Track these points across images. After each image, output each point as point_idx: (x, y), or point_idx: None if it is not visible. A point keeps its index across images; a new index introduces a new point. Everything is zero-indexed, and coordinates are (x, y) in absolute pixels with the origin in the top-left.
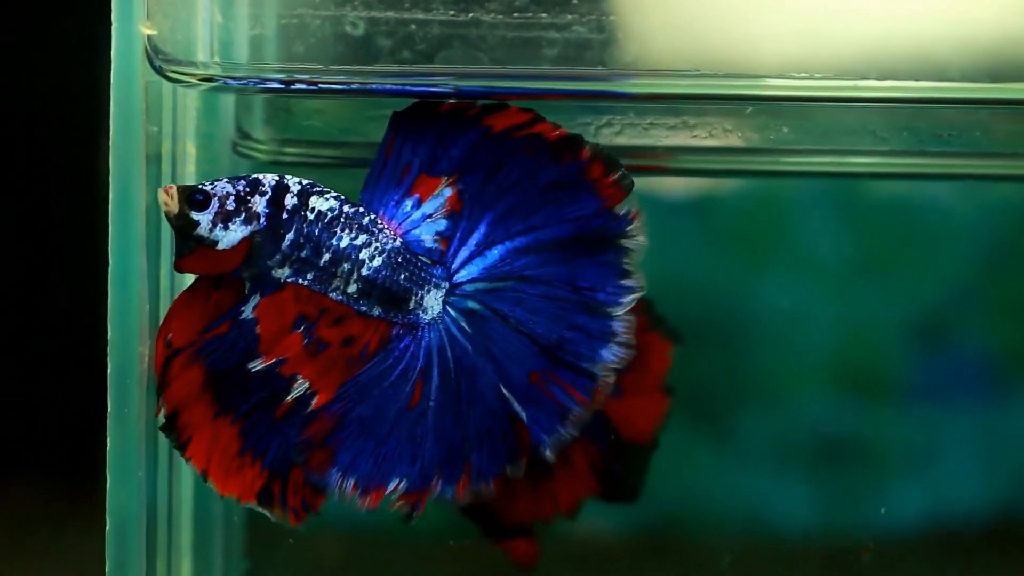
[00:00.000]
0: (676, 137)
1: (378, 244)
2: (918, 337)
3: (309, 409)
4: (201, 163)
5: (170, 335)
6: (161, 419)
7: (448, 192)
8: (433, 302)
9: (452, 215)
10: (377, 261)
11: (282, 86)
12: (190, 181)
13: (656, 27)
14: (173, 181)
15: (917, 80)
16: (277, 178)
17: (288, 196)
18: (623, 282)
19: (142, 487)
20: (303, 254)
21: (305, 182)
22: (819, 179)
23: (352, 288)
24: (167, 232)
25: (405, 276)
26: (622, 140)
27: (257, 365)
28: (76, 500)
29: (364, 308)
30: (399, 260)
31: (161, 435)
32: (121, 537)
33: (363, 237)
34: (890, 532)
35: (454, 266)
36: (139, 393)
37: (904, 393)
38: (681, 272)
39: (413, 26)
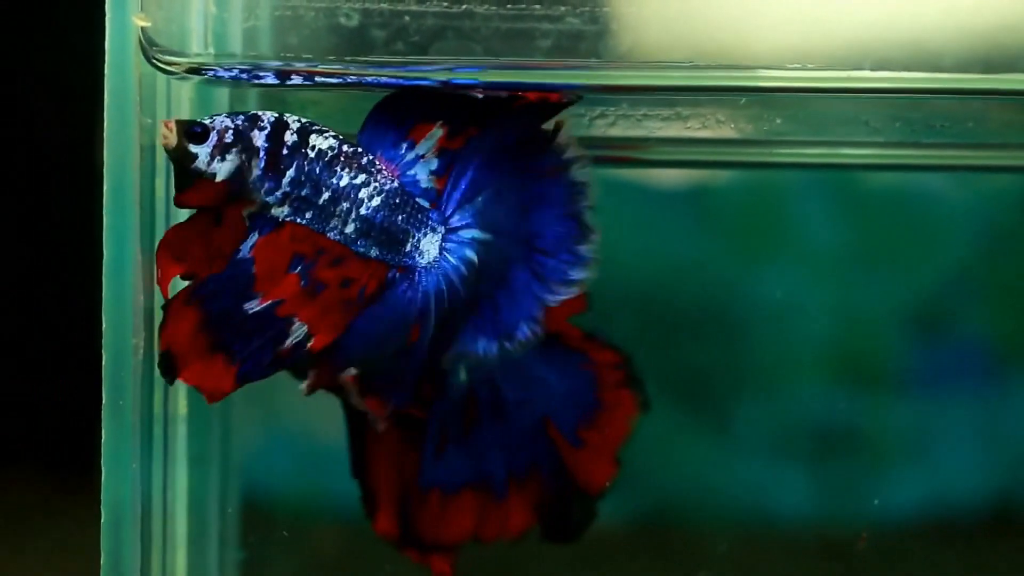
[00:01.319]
0: (670, 128)
1: (377, 184)
2: (914, 326)
3: (306, 351)
4: None
5: (163, 265)
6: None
7: (439, 132)
8: (430, 246)
9: (443, 152)
10: (376, 201)
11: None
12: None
13: (650, 18)
14: (167, 172)
15: (911, 71)
16: (276, 115)
17: (288, 133)
18: (578, 248)
19: (137, 478)
20: (303, 192)
21: (304, 120)
22: (813, 170)
23: (350, 228)
24: (161, 224)
25: (403, 217)
26: (616, 131)
27: (254, 306)
28: (71, 492)
29: (362, 249)
30: (397, 201)
31: (156, 426)
32: (116, 528)
33: (362, 176)
34: (887, 521)
35: (448, 211)
36: (134, 385)
37: (901, 382)
38: (676, 262)
39: (407, 18)
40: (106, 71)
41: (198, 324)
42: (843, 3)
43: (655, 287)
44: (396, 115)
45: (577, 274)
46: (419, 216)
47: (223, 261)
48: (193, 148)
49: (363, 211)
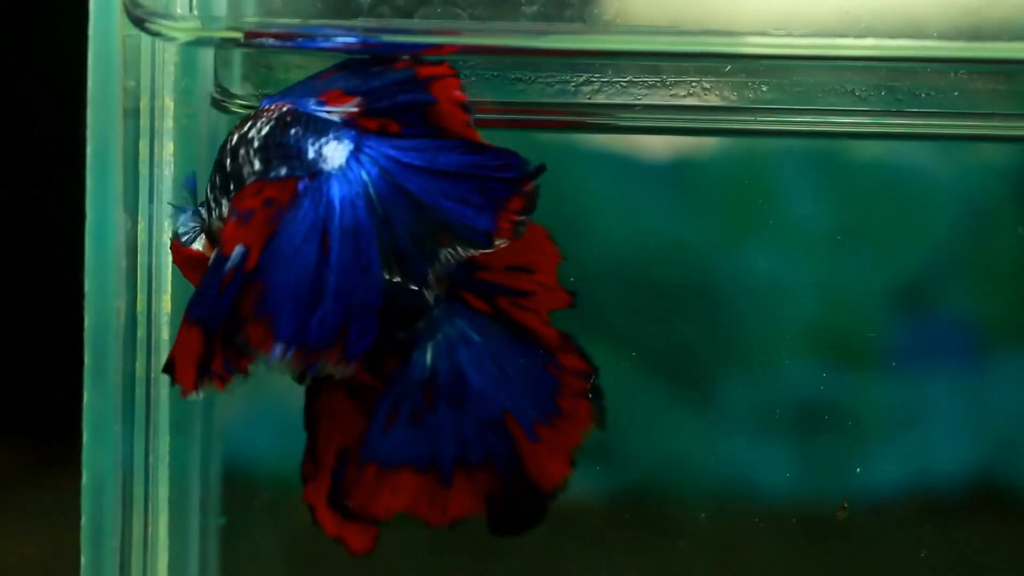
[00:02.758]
0: (655, 95)
1: (263, 119)
2: (899, 302)
3: (243, 271)
4: (179, 118)
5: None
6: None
7: (354, 108)
8: (333, 153)
9: (353, 124)
10: (265, 130)
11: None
12: (168, 135)
13: None
14: (151, 136)
15: (895, 39)
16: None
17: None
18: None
19: (118, 442)
20: (218, 182)
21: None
22: (798, 139)
23: (257, 165)
24: (144, 187)
25: (296, 131)
26: (601, 98)
27: (228, 264)
28: (52, 455)
29: (273, 174)
30: (288, 119)
31: (138, 389)
32: (97, 492)
33: (247, 124)
34: (871, 497)
35: (364, 138)
36: (116, 348)
37: (885, 358)
38: (660, 236)
39: None
40: (90, 34)
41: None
42: None
43: (638, 261)
44: (324, 86)
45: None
46: (317, 126)
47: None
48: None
49: (256, 144)
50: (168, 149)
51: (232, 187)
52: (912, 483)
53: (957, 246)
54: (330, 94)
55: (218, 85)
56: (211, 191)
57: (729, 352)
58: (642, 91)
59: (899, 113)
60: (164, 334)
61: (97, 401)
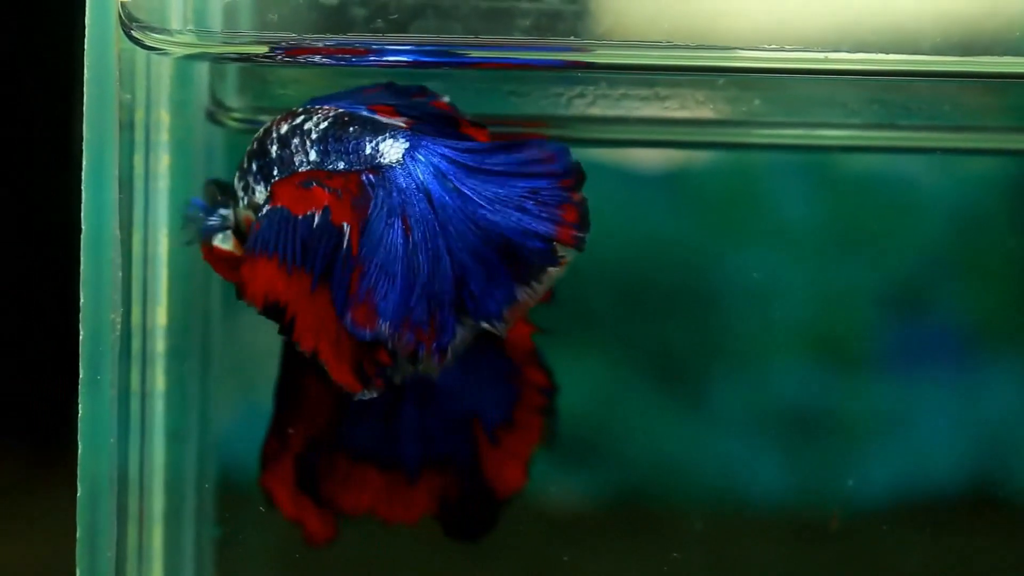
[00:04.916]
0: (648, 108)
1: (319, 115)
2: (890, 306)
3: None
4: (175, 131)
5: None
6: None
7: (401, 124)
8: (390, 149)
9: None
10: (323, 125)
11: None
12: (163, 148)
13: None
14: (146, 149)
15: (888, 53)
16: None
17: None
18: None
19: (114, 453)
20: (255, 166)
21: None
22: (791, 151)
23: (313, 155)
24: (140, 199)
25: (355, 128)
26: (595, 111)
27: (316, 219)
28: (48, 466)
29: (330, 167)
30: (345, 119)
31: (133, 401)
32: (93, 503)
33: (300, 118)
34: (863, 502)
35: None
36: (112, 359)
37: (877, 363)
38: (653, 242)
39: None
40: (86, 47)
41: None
42: None
43: (632, 266)
44: (367, 100)
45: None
46: (375, 126)
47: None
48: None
49: (314, 136)
50: (163, 162)
51: (276, 173)
52: (906, 487)
53: (949, 252)
54: (380, 108)
55: (213, 98)
56: (244, 177)
57: (722, 357)
58: (635, 104)
59: (891, 126)
60: (159, 346)
61: (93, 412)
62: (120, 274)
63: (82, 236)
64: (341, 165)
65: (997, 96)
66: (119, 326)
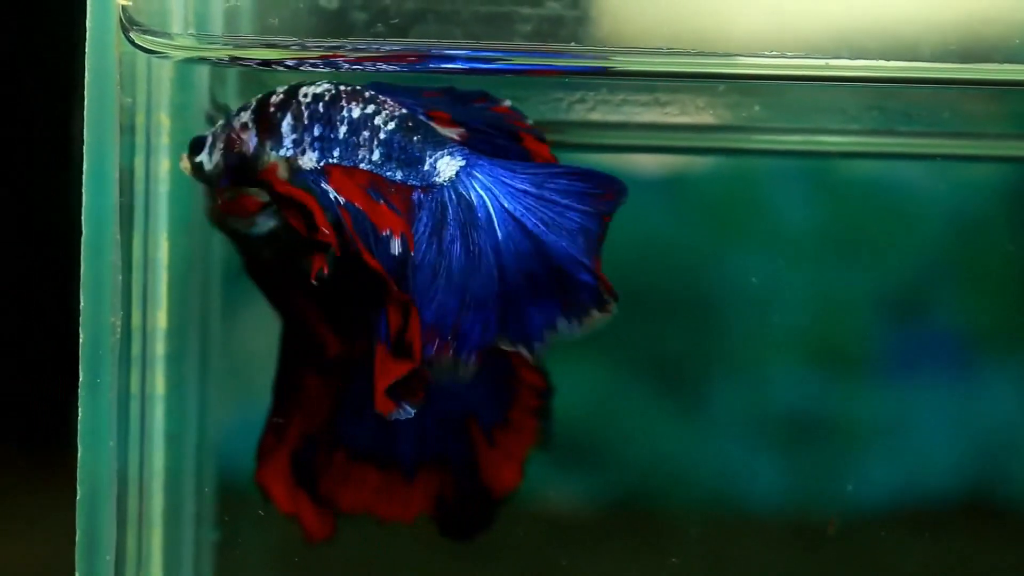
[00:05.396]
0: (648, 114)
1: (387, 111)
2: (890, 312)
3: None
4: (175, 134)
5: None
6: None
7: (455, 134)
8: (446, 166)
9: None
10: (391, 125)
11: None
12: (163, 152)
13: (629, 4)
14: (147, 152)
15: (888, 60)
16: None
17: (274, 96)
18: (560, 326)
19: (113, 457)
20: (317, 132)
21: (293, 84)
22: (791, 157)
23: (376, 155)
24: (140, 202)
25: (418, 138)
26: (595, 116)
27: (396, 246)
28: (47, 468)
29: (388, 174)
30: (410, 124)
31: (133, 405)
32: (92, 506)
33: (371, 107)
34: (861, 507)
35: (474, 158)
36: (111, 363)
37: (875, 368)
38: (652, 246)
39: (387, 0)
40: (87, 51)
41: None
42: None
43: (631, 270)
44: (426, 102)
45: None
46: (435, 139)
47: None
48: (197, 159)
49: (382, 136)
50: (164, 166)
51: (336, 154)
52: (904, 492)
53: (947, 258)
54: (438, 115)
55: (213, 101)
56: (300, 132)
57: (721, 361)
58: (636, 109)
59: (891, 132)
60: (159, 349)
61: (92, 415)
62: (120, 277)
63: (82, 239)
64: (399, 175)
65: (997, 103)
66: (119, 329)
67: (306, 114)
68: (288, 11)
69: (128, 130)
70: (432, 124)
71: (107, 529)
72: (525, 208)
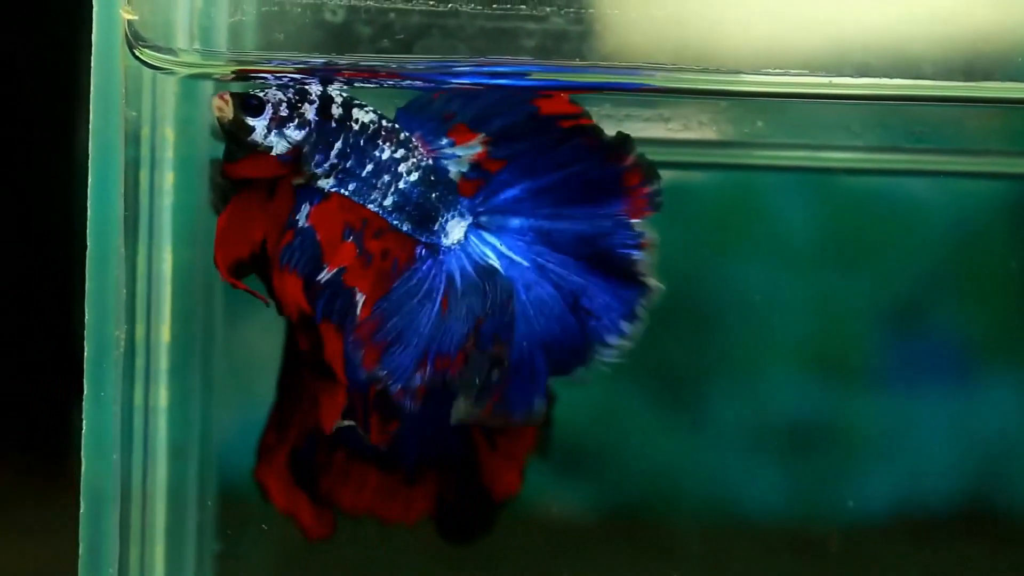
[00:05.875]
0: (651, 129)
1: (415, 160)
2: (889, 323)
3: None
4: (179, 147)
5: (226, 250)
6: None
7: (478, 148)
8: (455, 228)
9: (477, 167)
10: (413, 176)
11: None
12: (168, 165)
13: (634, 20)
14: (151, 166)
15: (891, 77)
16: (322, 88)
17: (334, 106)
18: (623, 323)
19: (117, 470)
20: (348, 164)
21: (346, 94)
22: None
23: (388, 201)
24: (145, 216)
25: (436, 195)
26: None
27: (324, 276)
28: (50, 481)
29: (396, 222)
30: (432, 178)
31: (136, 417)
32: (95, 519)
33: (401, 151)
34: (861, 518)
35: (479, 208)
36: (115, 376)
37: (875, 379)
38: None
39: (392, 15)
40: (92, 64)
41: (302, 288)
42: (826, 10)
43: None
44: (443, 109)
45: (617, 340)
46: (450, 197)
47: (289, 231)
48: (250, 121)
49: (401, 185)
50: (168, 179)
51: (351, 188)
52: (903, 503)
53: (946, 269)
54: (456, 130)
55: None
56: (336, 159)
57: (721, 371)
58: (639, 124)
59: (894, 149)
60: (163, 363)
61: (96, 428)
62: (124, 290)
63: (87, 253)
64: (406, 227)
65: (999, 120)
66: (123, 343)
67: (349, 145)
68: (293, 26)
69: (133, 143)
70: (446, 156)
71: (110, 541)
72: (521, 287)
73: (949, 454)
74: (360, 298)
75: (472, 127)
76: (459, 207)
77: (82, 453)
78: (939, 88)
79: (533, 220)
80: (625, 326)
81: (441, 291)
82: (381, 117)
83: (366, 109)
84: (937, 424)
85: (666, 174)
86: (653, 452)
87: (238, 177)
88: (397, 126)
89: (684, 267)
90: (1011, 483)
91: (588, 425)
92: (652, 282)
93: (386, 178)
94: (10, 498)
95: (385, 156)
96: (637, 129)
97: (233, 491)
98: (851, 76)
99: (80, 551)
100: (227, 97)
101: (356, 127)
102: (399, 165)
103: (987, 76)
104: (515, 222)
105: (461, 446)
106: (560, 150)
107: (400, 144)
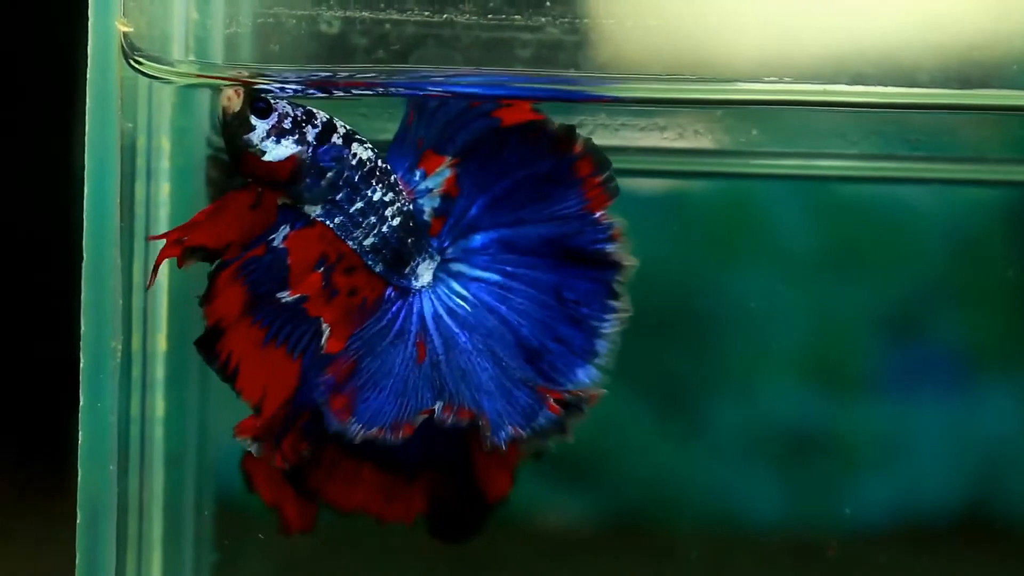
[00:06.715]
0: (647, 138)
1: (399, 204)
2: (887, 332)
3: (322, 351)
4: (175, 157)
5: (193, 237)
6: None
7: (447, 173)
8: (425, 271)
9: (447, 197)
10: (396, 221)
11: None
12: (164, 176)
13: (629, 30)
14: (148, 176)
15: (887, 85)
16: (328, 116)
17: (335, 135)
18: (611, 302)
19: (114, 480)
20: (338, 197)
21: (348, 127)
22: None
23: (368, 241)
24: (141, 226)
25: (412, 240)
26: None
27: (286, 296)
28: (47, 491)
29: (370, 263)
30: (411, 224)
31: (133, 427)
32: (92, 529)
33: (390, 195)
34: (859, 524)
35: (445, 243)
36: (112, 387)
37: (873, 387)
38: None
39: (388, 26)
40: (88, 75)
41: (245, 303)
42: (821, 18)
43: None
44: (415, 135)
45: (610, 326)
46: (422, 241)
47: (261, 246)
48: (253, 120)
49: (384, 228)
50: (164, 190)
51: (336, 221)
52: (902, 510)
53: (945, 278)
54: (425, 158)
55: (213, 125)
56: (330, 191)
57: (720, 380)
58: (634, 133)
59: (889, 157)
60: (159, 373)
61: (93, 438)
62: (121, 301)
63: (83, 263)
64: (379, 269)
65: (995, 127)
66: (120, 353)
67: (342, 179)
68: (288, 37)
69: (129, 153)
70: (420, 189)
71: (107, 551)
72: (498, 301)
73: (946, 462)
74: (325, 327)
75: (438, 150)
76: (430, 250)
77: (79, 463)
78: (935, 96)
79: (495, 232)
80: (613, 304)
81: (413, 333)
82: (378, 156)
83: (365, 145)
84: (934, 432)
85: (663, 184)
86: (652, 460)
87: (244, 175)
88: (389, 167)
89: (681, 276)
90: (1008, 490)
91: (586, 433)
92: (627, 259)
93: (372, 219)
94: (7, 508)
95: (376, 197)
96: (633, 138)
97: (230, 501)
98: (847, 84)
99: (77, 561)
100: (239, 91)
101: (353, 162)
102: (386, 208)
103: (982, 84)
104: (477, 239)
105: (457, 448)
106: (505, 153)
107: (390, 187)
